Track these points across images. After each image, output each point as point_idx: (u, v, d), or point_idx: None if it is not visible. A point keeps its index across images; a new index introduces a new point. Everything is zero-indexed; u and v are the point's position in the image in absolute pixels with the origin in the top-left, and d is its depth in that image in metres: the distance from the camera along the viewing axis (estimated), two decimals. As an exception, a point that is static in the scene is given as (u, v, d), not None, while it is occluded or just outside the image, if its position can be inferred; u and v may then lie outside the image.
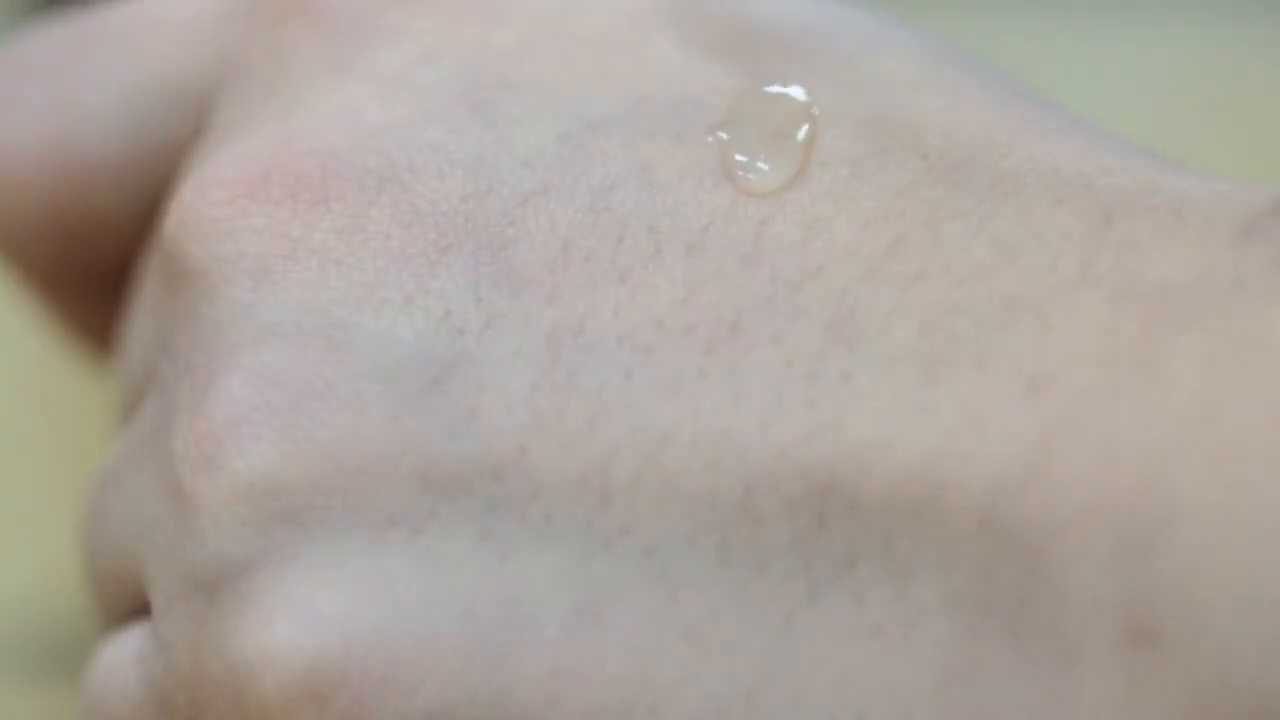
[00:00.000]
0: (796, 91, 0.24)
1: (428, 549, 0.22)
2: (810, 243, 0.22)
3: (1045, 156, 0.23)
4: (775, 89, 0.24)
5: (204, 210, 0.24)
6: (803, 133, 0.23)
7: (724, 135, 0.23)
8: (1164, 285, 0.21)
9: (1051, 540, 0.20)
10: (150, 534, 0.24)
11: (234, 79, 0.26)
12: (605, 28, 0.25)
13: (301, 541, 0.22)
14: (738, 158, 0.23)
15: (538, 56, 0.24)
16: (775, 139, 0.23)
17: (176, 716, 0.23)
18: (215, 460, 0.22)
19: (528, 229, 0.23)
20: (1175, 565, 0.19)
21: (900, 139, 0.23)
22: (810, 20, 0.25)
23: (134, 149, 0.27)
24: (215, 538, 0.22)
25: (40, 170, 0.28)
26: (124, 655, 0.24)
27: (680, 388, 0.22)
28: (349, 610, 0.22)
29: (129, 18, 0.28)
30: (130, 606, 0.25)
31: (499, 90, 0.24)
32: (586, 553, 0.22)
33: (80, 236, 0.28)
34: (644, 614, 0.22)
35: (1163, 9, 0.50)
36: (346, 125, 0.24)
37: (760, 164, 0.23)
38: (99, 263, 0.28)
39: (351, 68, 0.24)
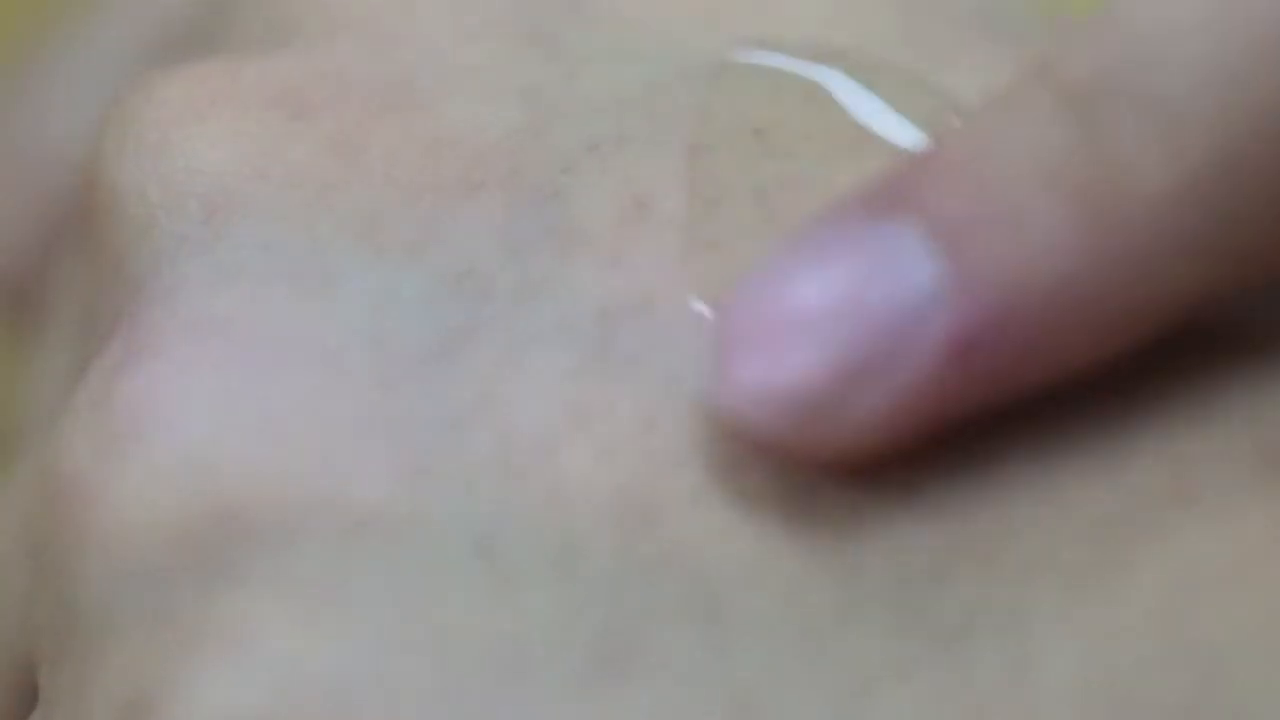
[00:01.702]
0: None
1: (405, 568, 0.17)
2: None
3: None
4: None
5: (145, 127, 0.19)
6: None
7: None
8: None
9: None
10: (38, 581, 0.18)
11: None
12: None
13: (242, 559, 0.17)
14: None
15: None
16: None
17: None
18: (131, 453, 0.17)
19: (591, 178, 0.19)
20: None
21: None
22: None
23: None
24: (120, 566, 0.17)
25: None
26: None
27: None
28: (300, 649, 0.17)
29: None
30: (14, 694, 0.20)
31: (568, 19, 0.20)
32: (616, 585, 0.17)
33: None
34: (681, 665, 0.17)
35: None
36: (356, 34, 0.19)
37: None
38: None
39: None
